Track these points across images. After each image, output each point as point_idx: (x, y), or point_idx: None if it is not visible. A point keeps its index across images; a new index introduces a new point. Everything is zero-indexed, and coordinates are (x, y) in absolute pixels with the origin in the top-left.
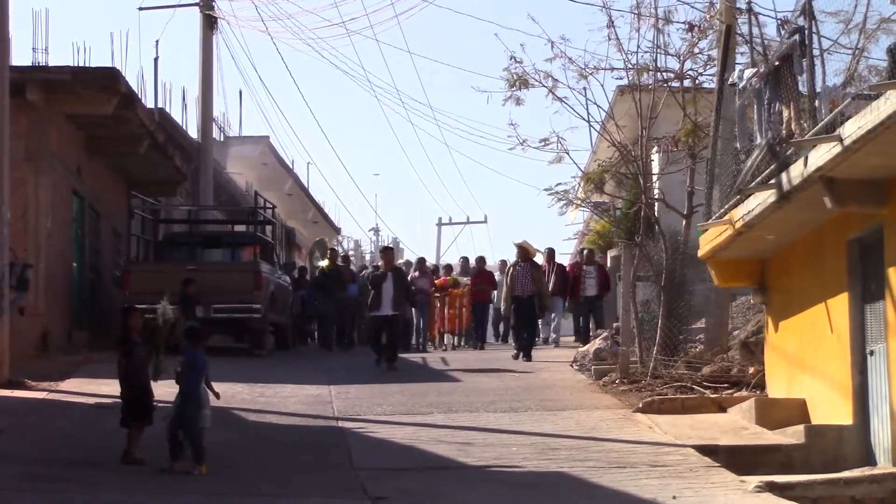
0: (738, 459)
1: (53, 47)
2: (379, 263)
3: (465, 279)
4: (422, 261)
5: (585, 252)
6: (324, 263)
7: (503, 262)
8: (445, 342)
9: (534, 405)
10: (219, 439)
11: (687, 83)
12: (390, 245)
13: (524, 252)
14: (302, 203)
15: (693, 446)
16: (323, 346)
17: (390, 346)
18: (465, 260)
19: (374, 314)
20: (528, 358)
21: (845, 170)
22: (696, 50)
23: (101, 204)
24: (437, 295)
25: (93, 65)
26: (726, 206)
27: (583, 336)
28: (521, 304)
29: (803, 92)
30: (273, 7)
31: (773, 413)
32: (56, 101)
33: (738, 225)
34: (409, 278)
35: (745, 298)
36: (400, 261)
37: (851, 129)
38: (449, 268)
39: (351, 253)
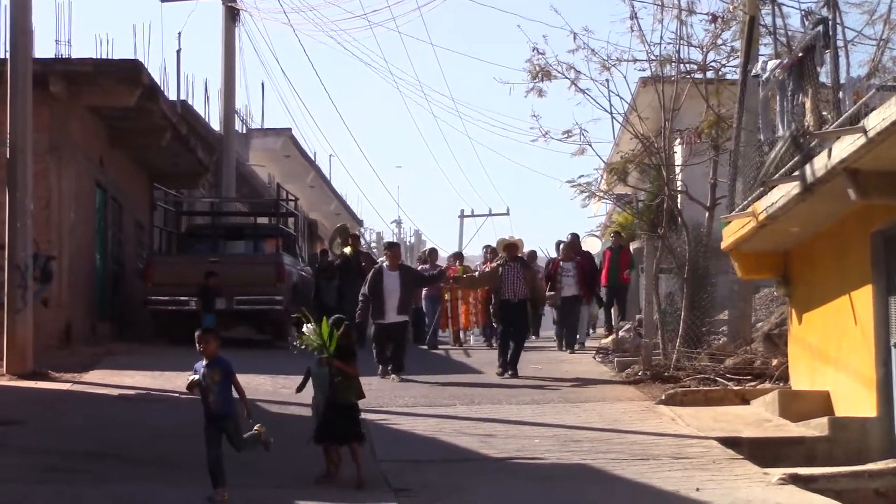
0: (762, 452)
1: (76, 39)
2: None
3: (478, 271)
4: (433, 252)
5: (563, 245)
6: (347, 250)
7: (491, 251)
8: (462, 339)
9: (556, 397)
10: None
11: (710, 74)
12: (396, 241)
13: (513, 249)
14: (324, 195)
15: (716, 438)
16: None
17: (396, 356)
18: (489, 249)
19: (378, 321)
20: (515, 373)
21: (869, 161)
22: (720, 41)
23: (123, 196)
24: (444, 287)
25: (115, 57)
26: (749, 198)
27: (563, 343)
28: (510, 308)
29: (827, 83)
30: None
31: (797, 405)
32: (79, 93)
33: (761, 217)
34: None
35: (768, 290)
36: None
37: (876, 121)
38: (458, 257)
39: (374, 245)
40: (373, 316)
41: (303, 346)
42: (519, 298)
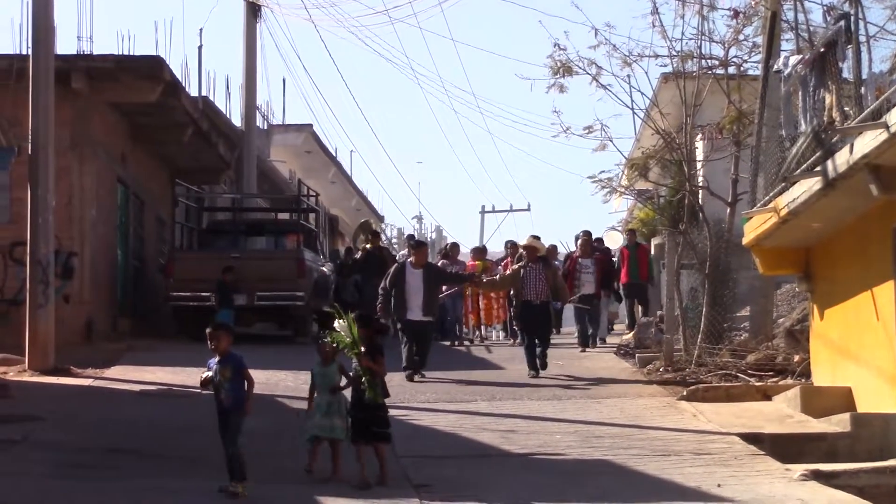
0: (783, 448)
1: (98, 36)
2: (403, 253)
3: (499, 267)
4: (454, 246)
5: (580, 241)
6: (368, 246)
7: (512, 246)
8: (483, 335)
9: (577, 393)
10: (262, 426)
11: (731, 70)
12: (425, 241)
13: (533, 251)
14: (345, 191)
15: (737, 434)
16: None
17: (419, 355)
18: (510, 245)
19: (403, 318)
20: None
21: (891, 157)
22: (741, 37)
23: (145, 192)
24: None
25: (137, 53)
26: (771, 194)
27: (583, 338)
28: (533, 311)
29: (849, 79)
30: None
31: (819, 401)
32: (100, 89)
33: (782, 213)
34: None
35: (789, 286)
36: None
37: None
38: (481, 251)
39: (394, 241)
40: (395, 312)
41: (334, 344)
42: (541, 300)
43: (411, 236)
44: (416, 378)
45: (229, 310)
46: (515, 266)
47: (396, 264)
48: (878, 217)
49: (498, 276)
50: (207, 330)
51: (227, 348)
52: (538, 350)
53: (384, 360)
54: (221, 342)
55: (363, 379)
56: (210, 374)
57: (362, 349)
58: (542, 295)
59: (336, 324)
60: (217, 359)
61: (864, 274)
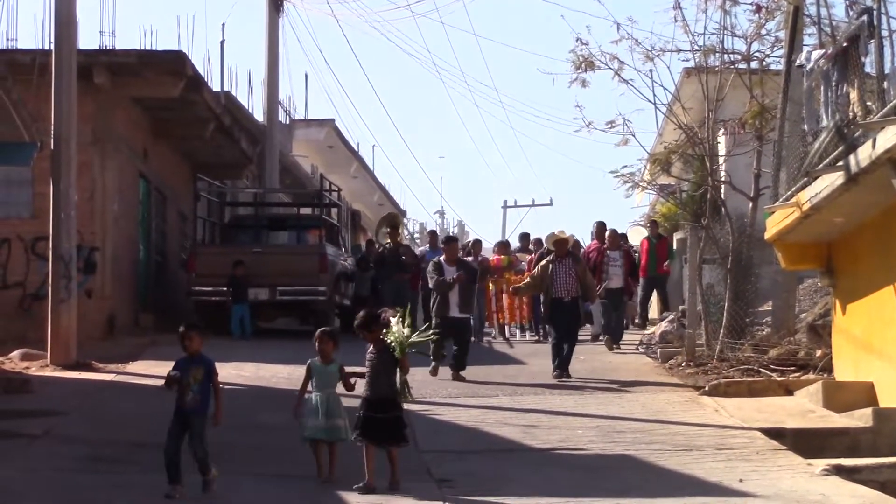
0: (805, 443)
1: (120, 31)
2: (424, 248)
3: (523, 262)
4: (476, 244)
5: (608, 232)
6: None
7: (534, 242)
8: (508, 334)
9: (599, 388)
10: (281, 422)
11: (754, 65)
12: (454, 234)
13: (562, 245)
14: (367, 185)
15: (759, 429)
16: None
17: (459, 355)
18: (524, 237)
19: (443, 315)
20: (567, 374)
21: None
22: (764, 31)
23: (167, 187)
24: (491, 277)
25: (159, 48)
26: (793, 189)
27: (612, 335)
28: (563, 308)
29: (871, 73)
30: None
31: (841, 396)
32: (123, 84)
33: (805, 207)
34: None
35: (812, 281)
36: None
37: None
38: (505, 245)
39: (417, 236)
40: (437, 311)
41: (393, 346)
42: (572, 297)
43: (433, 232)
44: (451, 375)
45: (243, 304)
46: (543, 262)
47: (434, 261)
48: None
49: (528, 279)
50: (181, 330)
51: (199, 349)
52: (565, 347)
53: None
54: (194, 342)
55: (403, 380)
56: (177, 373)
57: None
58: (573, 291)
59: (394, 324)
60: (187, 358)
61: (886, 269)
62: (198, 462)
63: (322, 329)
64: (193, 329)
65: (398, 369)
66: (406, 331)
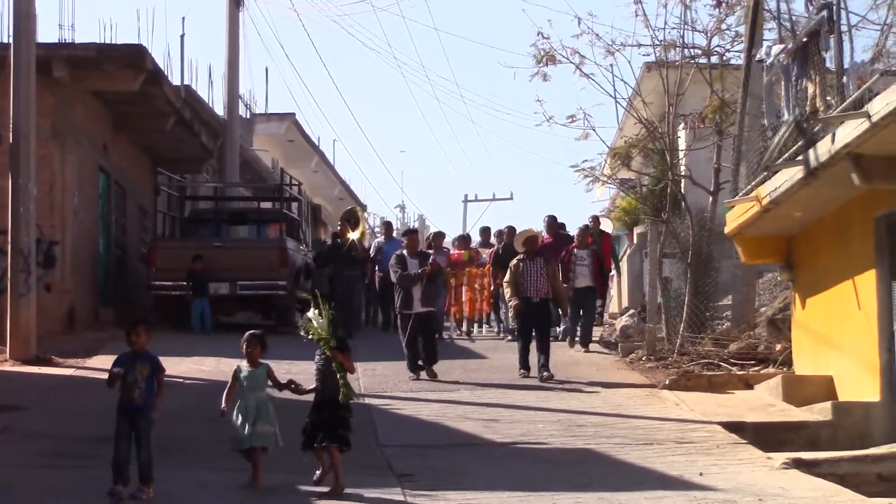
0: (765, 436)
1: (80, 24)
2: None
3: (484, 256)
4: (437, 236)
5: (577, 231)
6: (355, 235)
7: (496, 235)
8: (464, 328)
9: (560, 382)
10: None
11: (714, 59)
12: (414, 227)
13: (533, 243)
14: (328, 180)
15: (720, 423)
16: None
17: (428, 349)
18: (485, 231)
19: (406, 311)
20: (551, 375)
21: (873, 146)
22: (724, 26)
23: (127, 181)
24: (451, 271)
25: (119, 41)
26: (753, 183)
27: (581, 337)
28: (532, 309)
29: (831, 68)
30: None
31: (800, 390)
32: (82, 78)
33: (764, 201)
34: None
35: (771, 275)
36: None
37: (879, 106)
38: (465, 240)
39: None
40: (401, 306)
41: (310, 336)
42: (541, 297)
43: (388, 223)
44: (426, 377)
45: (204, 299)
46: (514, 261)
47: (397, 254)
48: (859, 206)
49: (507, 287)
50: (127, 326)
51: (145, 345)
52: (540, 359)
53: (351, 357)
54: (141, 338)
55: (338, 376)
56: (121, 370)
57: (334, 344)
58: (543, 292)
59: (311, 314)
60: (132, 355)
61: (845, 263)
62: (140, 466)
63: (250, 332)
64: (140, 324)
65: (340, 369)
66: (324, 322)
